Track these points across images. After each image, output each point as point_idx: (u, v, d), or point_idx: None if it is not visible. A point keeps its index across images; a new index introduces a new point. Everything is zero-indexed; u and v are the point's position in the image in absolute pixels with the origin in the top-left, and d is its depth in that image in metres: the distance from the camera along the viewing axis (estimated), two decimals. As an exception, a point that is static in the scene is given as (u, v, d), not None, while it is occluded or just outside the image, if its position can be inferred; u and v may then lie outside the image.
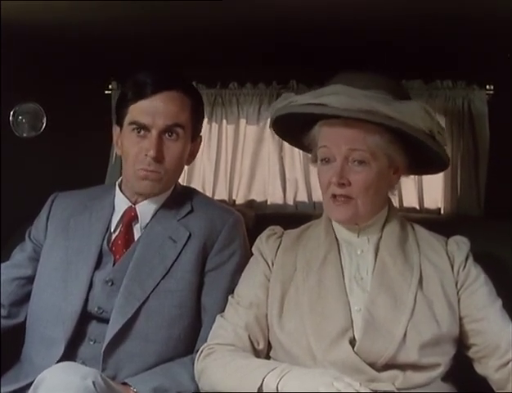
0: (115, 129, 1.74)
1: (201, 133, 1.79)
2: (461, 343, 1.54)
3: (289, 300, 1.55)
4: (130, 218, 1.70)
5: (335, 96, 1.50)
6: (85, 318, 1.63)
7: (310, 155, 1.68)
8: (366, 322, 1.46)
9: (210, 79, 2.31)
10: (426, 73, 2.19)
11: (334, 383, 1.29)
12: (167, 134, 1.64)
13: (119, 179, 1.78)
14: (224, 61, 2.16)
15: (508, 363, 1.45)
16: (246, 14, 1.72)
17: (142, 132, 1.63)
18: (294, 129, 1.66)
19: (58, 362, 1.55)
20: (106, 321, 1.61)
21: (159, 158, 1.62)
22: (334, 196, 1.53)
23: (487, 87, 2.17)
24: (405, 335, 1.44)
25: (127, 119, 1.65)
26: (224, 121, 2.39)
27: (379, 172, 1.52)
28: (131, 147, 1.65)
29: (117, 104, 1.73)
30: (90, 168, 2.31)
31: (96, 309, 1.63)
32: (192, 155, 1.76)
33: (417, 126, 1.49)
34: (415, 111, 1.50)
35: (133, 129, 1.64)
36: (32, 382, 1.50)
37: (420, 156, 1.58)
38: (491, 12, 1.64)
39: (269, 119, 1.75)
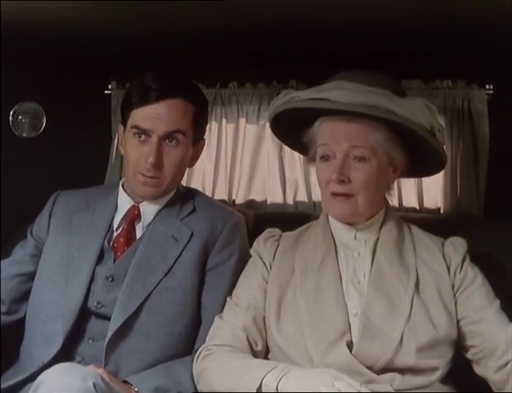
0: (120, 129, 1.75)
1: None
2: (460, 345, 1.53)
3: (286, 303, 1.54)
4: (133, 216, 1.71)
5: (339, 91, 1.50)
6: (84, 314, 1.63)
7: (307, 156, 1.67)
8: (362, 326, 1.45)
9: (210, 79, 2.31)
10: (426, 72, 2.19)
11: (334, 383, 1.29)
12: (167, 140, 1.64)
13: (123, 179, 1.79)
14: (224, 61, 2.16)
15: (507, 363, 1.44)
16: (246, 14, 1.72)
17: (143, 137, 1.64)
18: (292, 127, 1.66)
19: (55, 357, 1.56)
20: (105, 318, 1.62)
21: (158, 164, 1.63)
22: (334, 194, 1.53)
23: (487, 86, 2.17)
24: (402, 338, 1.43)
25: (129, 123, 1.67)
26: (224, 120, 2.39)
27: (378, 169, 1.52)
28: (132, 151, 1.66)
29: (122, 105, 1.74)
30: (90, 168, 2.31)
31: (95, 304, 1.63)
32: (195, 158, 1.78)
33: (419, 122, 1.49)
34: (417, 107, 1.50)
35: (135, 134, 1.65)
36: (30, 376, 1.52)
37: (419, 156, 1.58)
38: (491, 12, 1.64)
39: (268, 118, 1.73)
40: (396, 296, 1.49)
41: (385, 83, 1.54)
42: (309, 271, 1.56)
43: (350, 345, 1.44)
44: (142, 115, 1.63)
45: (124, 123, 1.70)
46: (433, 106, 1.57)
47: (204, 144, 1.80)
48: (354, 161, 1.51)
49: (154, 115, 1.62)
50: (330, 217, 1.63)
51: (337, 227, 1.61)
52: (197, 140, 1.73)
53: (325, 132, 1.55)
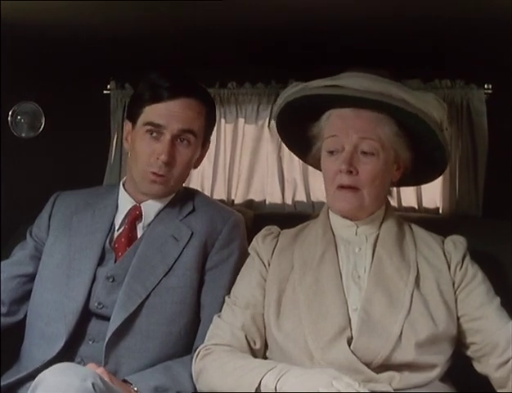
0: (127, 124, 1.75)
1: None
2: (460, 342, 1.54)
3: (286, 300, 1.55)
4: (134, 216, 1.72)
5: (354, 78, 1.52)
6: (86, 314, 1.64)
7: (309, 154, 1.67)
8: (362, 321, 1.45)
9: (209, 79, 2.31)
10: (424, 72, 2.19)
11: (333, 383, 1.29)
12: (179, 139, 1.66)
13: (124, 179, 1.80)
14: (223, 61, 2.16)
15: (508, 361, 1.45)
16: (246, 13, 1.72)
17: (155, 134, 1.65)
18: (297, 121, 1.66)
19: (56, 357, 1.57)
20: (105, 318, 1.62)
21: (170, 162, 1.64)
22: (341, 186, 1.53)
23: (486, 86, 2.18)
24: (401, 333, 1.44)
25: (141, 119, 1.67)
26: (223, 120, 2.38)
27: (385, 164, 1.54)
28: (143, 148, 1.66)
29: (131, 102, 1.75)
30: (89, 168, 2.31)
31: (96, 304, 1.64)
32: (200, 160, 1.79)
33: (431, 114, 1.51)
34: (430, 101, 1.53)
35: (147, 131, 1.66)
36: (31, 373, 1.53)
37: (421, 157, 1.60)
38: (490, 12, 1.64)
39: (276, 108, 1.74)
40: (396, 291, 1.49)
41: (394, 79, 1.56)
42: (308, 266, 1.56)
43: (350, 341, 1.44)
44: (156, 112, 1.65)
45: (134, 119, 1.70)
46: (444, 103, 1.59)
47: (209, 146, 1.81)
48: (362, 155, 1.52)
49: (169, 112, 1.64)
50: (330, 213, 1.64)
51: (338, 223, 1.61)
52: (205, 142, 1.75)
53: (334, 124, 1.56)
